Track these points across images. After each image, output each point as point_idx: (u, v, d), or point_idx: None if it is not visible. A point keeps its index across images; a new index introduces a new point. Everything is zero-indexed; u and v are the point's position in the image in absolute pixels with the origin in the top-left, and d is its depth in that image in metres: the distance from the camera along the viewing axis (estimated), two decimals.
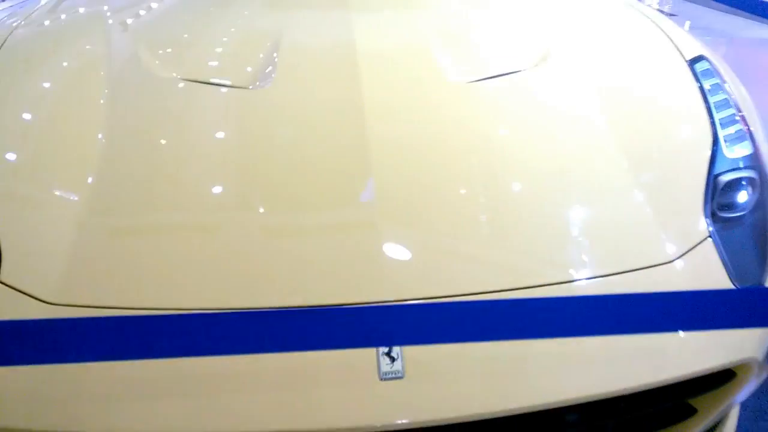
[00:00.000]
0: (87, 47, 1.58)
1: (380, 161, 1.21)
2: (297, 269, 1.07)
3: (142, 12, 1.82)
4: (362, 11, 1.77)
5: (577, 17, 1.78)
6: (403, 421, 0.94)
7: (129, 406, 0.94)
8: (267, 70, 1.44)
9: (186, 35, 1.69)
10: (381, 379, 0.96)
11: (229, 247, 1.10)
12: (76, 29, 1.72)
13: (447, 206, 1.18)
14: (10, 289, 1.03)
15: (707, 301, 0.90)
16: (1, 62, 1.49)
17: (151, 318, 0.88)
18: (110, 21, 1.72)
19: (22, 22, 1.73)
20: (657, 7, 8.01)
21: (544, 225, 1.17)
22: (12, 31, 1.65)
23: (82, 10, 1.85)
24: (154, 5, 1.89)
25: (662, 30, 1.64)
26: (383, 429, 0.94)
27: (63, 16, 1.81)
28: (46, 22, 1.77)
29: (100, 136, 1.29)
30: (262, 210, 1.16)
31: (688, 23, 7.19)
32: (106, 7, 1.81)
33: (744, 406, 1.76)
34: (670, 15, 7.47)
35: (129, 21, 1.74)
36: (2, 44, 1.56)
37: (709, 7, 7.51)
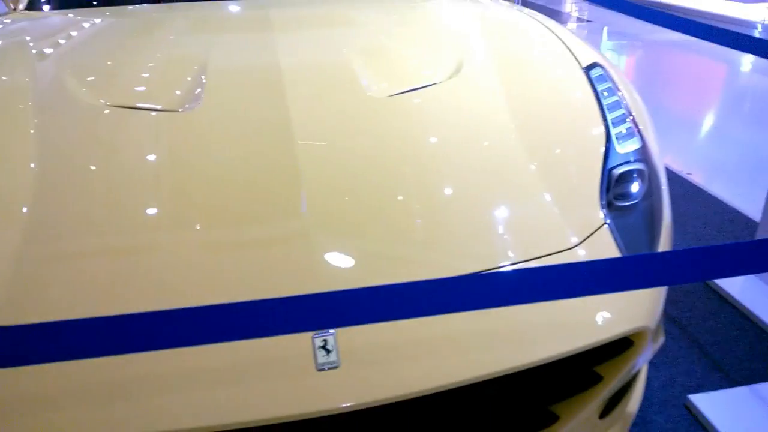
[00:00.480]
0: (11, 78, 1.60)
1: (309, 175, 1.30)
2: (233, 278, 1.13)
3: (63, 41, 1.84)
4: (285, 32, 1.87)
5: (486, 31, 1.92)
6: (340, 405, 1.03)
7: (58, 412, 0.98)
8: (195, 93, 1.51)
9: (111, 62, 1.71)
10: (318, 370, 1.04)
11: (167, 263, 1.15)
12: None
13: (374, 212, 1.27)
14: None
15: (603, 270, 1.04)
16: None
17: (88, 320, 0.89)
18: (33, 51, 1.74)
19: None
20: (577, 14, 8.40)
21: (465, 224, 1.28)
22: None
23: (0, 42, 1.86)
24: (75, 33, 1.91)
25: (561, 40, 1.80)
26: (321, 414, 1.03)
27: None
28: None
29: (32, 165, 1.32)
30: (197, 228, 1.22)
31: (606, 28, 7.58)
32: (28, 38, 1.83)
33: (657, 376, 1.94)
34: (588, 21, 7.85)
35: (52, 50, 1.75)
36: None
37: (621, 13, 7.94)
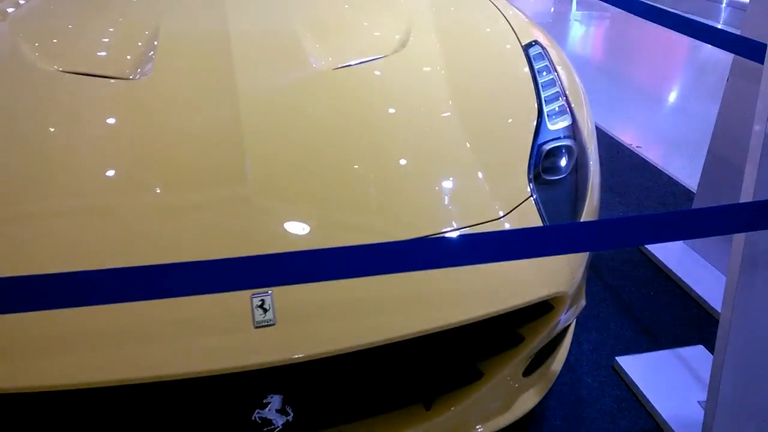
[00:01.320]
0: None
1: (252, 143, 1.36)
2: (174, 239, 1.20)
3: (21, 1, 1.86)
4: None
5: (435, 4, 1.97)
6: (273, 360, 1.11)
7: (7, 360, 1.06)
8: (146, 60, 1.55)
9: (66, 26, 1.73)
10: (255, 327, 1.12)
11: (112, 224, 1.22)
12: None
13: (312, 180, 1.34)
14: None
15: (526, 237, 1.12)
16: None
17: (45, 276, 0.96)
18: None
19: None
20: None
21: (399, 194, 1.35)
22: None
23: None
24: (24, 3, 1.91)
25: (505, 18, 1.86)
26: (256, 368, 1.11)
27: None
28: None
29: None
30: (141, 192, 1.27)
31: None
32: None
33: (588, 339, 2.06)
34: None
35: (8, 11, 1.78)
36: None
37: None
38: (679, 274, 2.37)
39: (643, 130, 3.79)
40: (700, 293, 2.27)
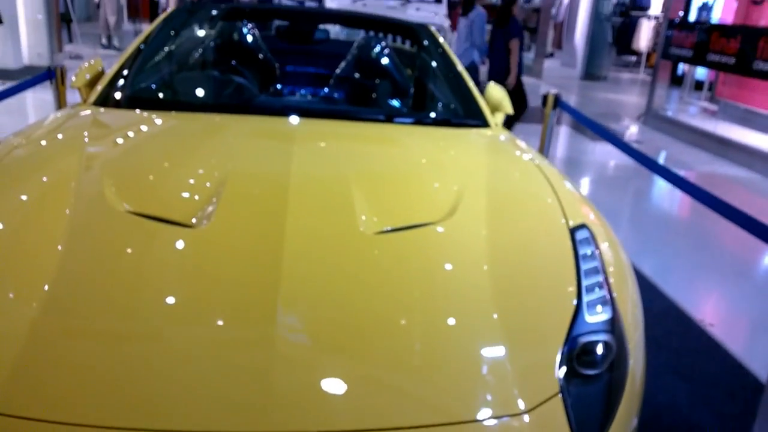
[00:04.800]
0: (61, 163, 1.83)
1: (288, 298, 1.38)
2: (202, 393, 1.22)
3: (112, 139, 2.09)
4: (303, 149, 2.05)
5: (491, 175, 1.99)
6: None
7: None
8: (208, 208, 1.64)
9: (144, 168, 1.87)
10: None
11: (148, 367, 1.25)
12: (56, 152, 1.97)
13: (342, 342, 1.33)
14: None
15: None
16: None
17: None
18: (86, 140, 1.98)
19: (23, 142, 1.99)
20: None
21: (420, 372, 1.31)
22: (11, 150, 1.91)
23: (61, 135, 2.11)
24: (123, 134, 2.15)
25: (556, 194, 1.84)
26: None
27: (45, 142, 2.04)
28: (42, 143, 2.02)
29: (59, 247, 1.47)
30: (171, 329, 1.32)
31: (660, 154, 7.55)
32: (85, 132, 2.07)
33: None
34: (637, 141, 7.83)
35: (101, 146, 1.99)
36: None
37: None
38: None
39: (720, 305, 3.56)
40: None
